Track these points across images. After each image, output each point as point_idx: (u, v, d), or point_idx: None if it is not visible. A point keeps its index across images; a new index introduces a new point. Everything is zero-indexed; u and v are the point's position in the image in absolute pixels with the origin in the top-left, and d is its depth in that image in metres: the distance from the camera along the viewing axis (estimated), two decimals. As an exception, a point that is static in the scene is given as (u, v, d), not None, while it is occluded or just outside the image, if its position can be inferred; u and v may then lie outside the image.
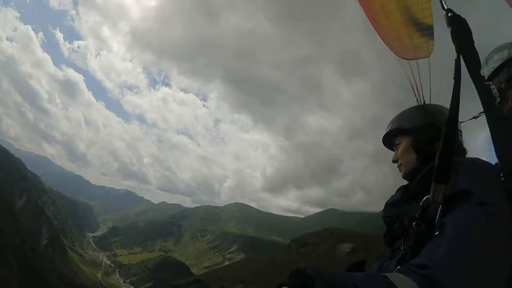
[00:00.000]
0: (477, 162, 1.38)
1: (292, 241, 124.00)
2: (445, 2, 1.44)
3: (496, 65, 1.72)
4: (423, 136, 1.63)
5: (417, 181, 1.44)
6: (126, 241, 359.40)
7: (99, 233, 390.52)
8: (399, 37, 2.95)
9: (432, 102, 2.35)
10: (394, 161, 1.75)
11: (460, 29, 1.34)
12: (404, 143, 1.70)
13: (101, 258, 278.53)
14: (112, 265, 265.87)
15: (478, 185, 1.15)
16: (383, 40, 3.00)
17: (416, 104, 2.33)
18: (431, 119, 1.66)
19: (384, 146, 1.94)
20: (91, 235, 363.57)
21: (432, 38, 2.80)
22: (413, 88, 2.62)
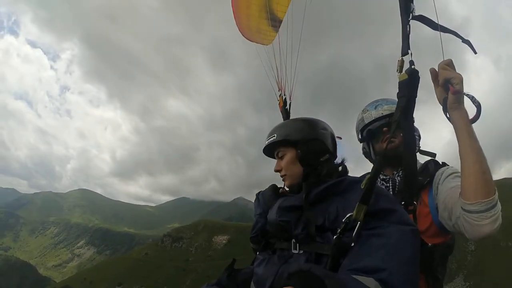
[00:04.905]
0: (383, 188, 1.75)
1: (165, 235, 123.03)
2: (411, 54, 1.58)
3: (385, 112, 2.12)
4: (310, 150, 1.68)
5: (318, 192, 1.50)
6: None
7: None
8: (249, 16, 3.22)
9: (292, 100, 2.61)
10: (277, 171, 1.77)
11: (415, 80, 1.56)
12: (289, 154, 1.72)
13: None
14: None
15: (397, 205, 1.38)
16: (233, 13, 3.25)
17: (277, 99, 2.75)
18: (316, 134, 1.72)
19: (263, 154, 1.93)
20: None
21: (276, 31, 3.06)
22: (278, 84, 2.83)
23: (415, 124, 2.11)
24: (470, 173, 1.54)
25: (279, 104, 2.79)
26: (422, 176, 1.95)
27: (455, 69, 1.61)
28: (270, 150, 1.86)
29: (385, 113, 2.15)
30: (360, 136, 2.33)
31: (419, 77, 1.57)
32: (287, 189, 1.86)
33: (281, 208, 1.60)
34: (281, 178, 1.79)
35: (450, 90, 1.56)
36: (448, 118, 1.63)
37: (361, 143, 2.38)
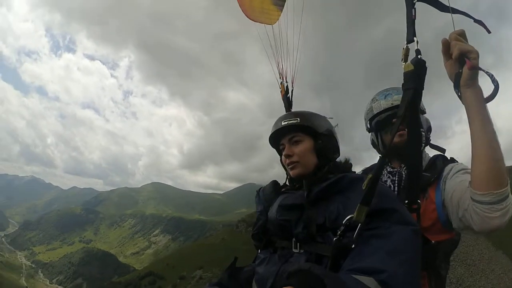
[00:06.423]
0: (385, 187, 1.65)
1: (239, 221, 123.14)
2: (417, 42, 1.40)
3: (395, 103, 1.99)
4: (329, 144, 1.68)
5: (320, 190, 1.46)
6: (41, 236, 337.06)
7: (10, 230, 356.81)
8: None
9: (294, 88, 2.60)
10: (289, 156, 1.67)
11: (422, 72, 1.38)
12: (307, 143, 1.66)
13: (19, 259, 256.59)
14: (33, 265, 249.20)
15: (399, 205, 1.32)
16: None
17: (279, 87, 2.72)
18: (333, 132, 1.74)
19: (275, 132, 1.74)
20: (2, 234, 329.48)
21: (281, 10, 2.93)
22: (279, 71, 2.72)
23: (427, 115, 2.07)
24: (483, 159, 1.40)
25: (281, 92, 2.72)
26: (429, 172, 1.85)
27: (468, 42, 1.41)
28: (278, 135, 1.76)
29: (395, 103, 2.03)
30: (368, 125, 2.23)
31: (426, 68, 1.38)
32: (288, 184, 1.82)
33: (282, 207, 1.57)
34: (289, 166, 1.69)
35: (466, 64, 1.36)
36: (459, 96, 1.45)
37: (369, 133, 2.28)
